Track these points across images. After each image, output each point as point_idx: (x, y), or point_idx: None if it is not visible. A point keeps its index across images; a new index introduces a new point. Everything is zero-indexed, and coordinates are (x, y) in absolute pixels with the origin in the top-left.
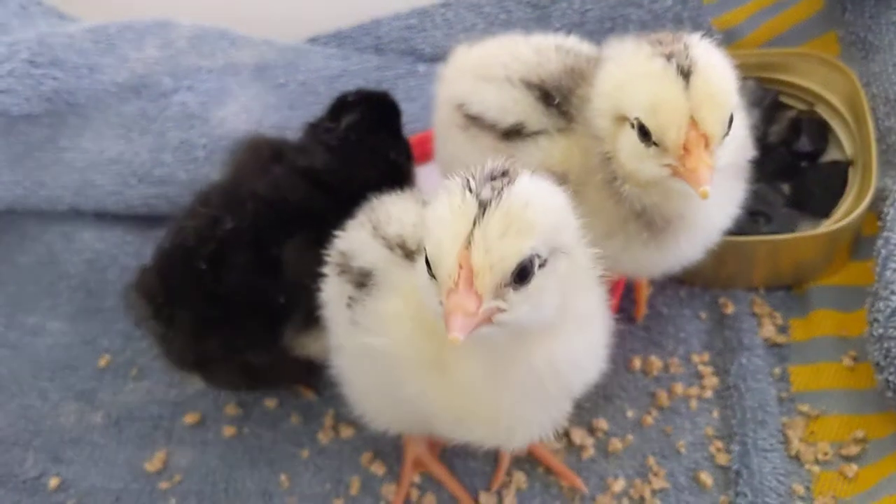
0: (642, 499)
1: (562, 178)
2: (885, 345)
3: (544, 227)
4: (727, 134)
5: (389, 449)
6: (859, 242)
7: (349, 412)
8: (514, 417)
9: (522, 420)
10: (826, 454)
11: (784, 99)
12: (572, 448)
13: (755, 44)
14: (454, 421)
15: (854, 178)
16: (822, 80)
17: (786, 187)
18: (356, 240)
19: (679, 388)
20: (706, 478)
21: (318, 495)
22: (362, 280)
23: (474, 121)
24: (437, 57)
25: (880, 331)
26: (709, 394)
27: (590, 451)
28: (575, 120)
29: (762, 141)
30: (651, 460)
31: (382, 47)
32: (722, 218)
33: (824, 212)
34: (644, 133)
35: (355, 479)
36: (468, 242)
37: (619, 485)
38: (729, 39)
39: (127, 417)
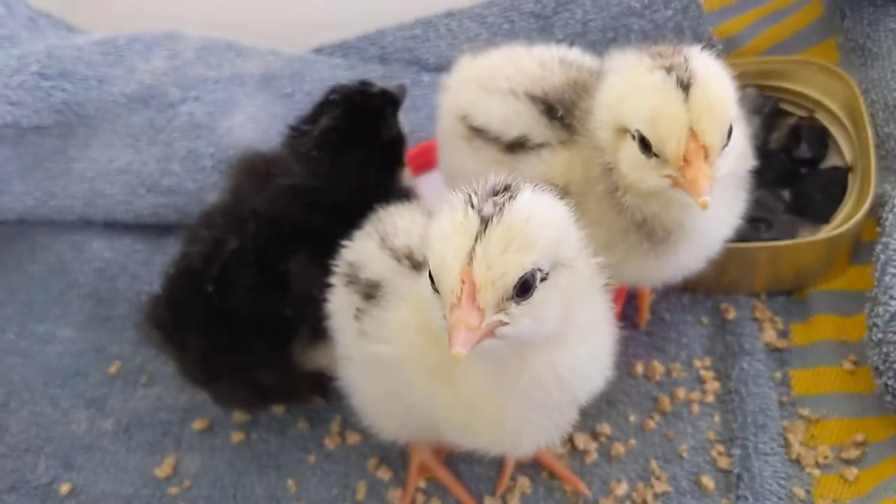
0: (645, 502)
1: (564, 190)
2: (885, 349)
3: (545, 241)
4: (726, 145)
5: (395, 455)
6: (859, 247)
7: (356, 418)
8: (519, 425)
9: (528, 428)
10: (826, 458)
11: (784, 106)
12: (576, 452)
13: (755, 52)
14: (461, 428)
15: (854, 183)
16: (821, 87)
17: (786, 193)
18: (364, 251)
19: (681, 392)
20: (708, 481)
21: (325, 500)
22: (370, 291)
23: (478, 132)
24: (441, 66)
25: (879, 335)
26: (710, 398)
27: (593, 456)
28: (578, 132)
29: (763, 148)
30: (653, 464)
31: (387, 57)
32: (722, 228)
33: (824, 218)
34: (644, 144)
35: (362, 484)
36: (470, 258)
37: (621, 489)
38: (729, 48)
39: (137, 424)
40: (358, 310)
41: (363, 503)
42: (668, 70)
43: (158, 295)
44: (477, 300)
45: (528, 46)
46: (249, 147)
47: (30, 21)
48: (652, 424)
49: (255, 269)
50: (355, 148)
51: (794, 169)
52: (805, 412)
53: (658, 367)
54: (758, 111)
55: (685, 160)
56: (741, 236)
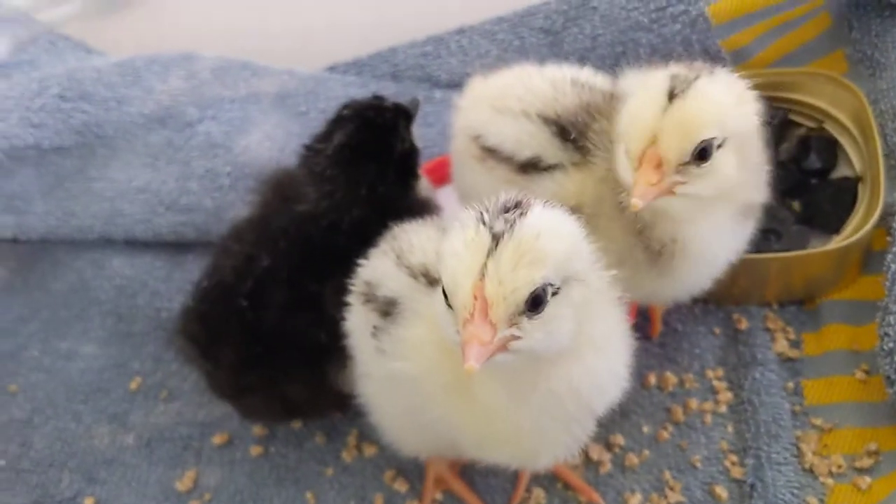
0: None
1: (575, 211)
2: None
3: (556, 256)
4: (697, 164)
5: (412, 467)
6: (869, 257)
7: (372, 432)
8: (537, 439)
9: (546, 441)
10: (839, 467)
11: (793, 117)
12: (590, 464)
13: (764, 63)
14: (480, 443)
15: (863, 194)
16: (830, 98)
17: (796, 204)
18: (380, 269)
19: (694, 403)
20: (721, 491)
21: None
22: (387, 309)
23: (491, 153)
24: (453, 83)
25: (891, 344)
26: (723, 408)
27: (607, 467)
28: (591, 154)
29: (772, 159)
30: (667, 475)
31: (399, 74)
32: (723, 251)
33: (835, 228)
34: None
35: (378, 496)
36: (482, 274)
37: (636, 499)
38: (738, 60)
39: (158, 438)
40: (375, 327)
41: None
42: (672, 81)
43: (191, 308)
44: (489, 315)
45: (538, 65)
46: (269, 164)
47: (50, 45)
48: (665, 435)
49: (287, 287)
50: (370, 163)
51: (804, 180)
52: (818, 421)
53: (671, 377)
54: (767, 122)
55: (639, 162)
56: (752, 247)
